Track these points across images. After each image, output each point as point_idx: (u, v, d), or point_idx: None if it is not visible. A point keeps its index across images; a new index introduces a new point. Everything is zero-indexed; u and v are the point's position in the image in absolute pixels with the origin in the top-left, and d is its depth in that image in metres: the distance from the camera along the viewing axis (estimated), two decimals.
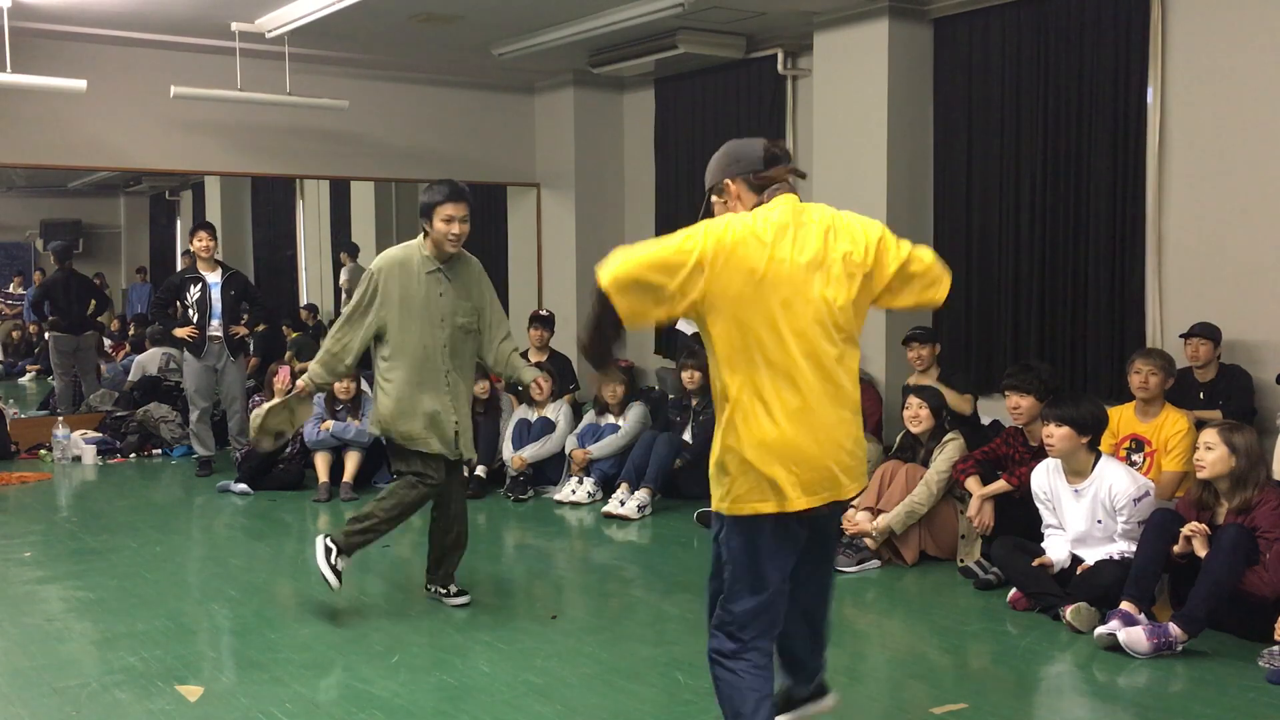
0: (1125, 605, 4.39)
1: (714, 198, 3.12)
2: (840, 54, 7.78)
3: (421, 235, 4.81)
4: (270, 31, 8.16)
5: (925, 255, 3.17)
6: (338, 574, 4.70)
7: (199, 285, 8.07)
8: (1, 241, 14.67)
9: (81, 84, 7.72)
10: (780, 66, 8.57)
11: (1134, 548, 4.65)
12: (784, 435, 2.86)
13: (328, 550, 4.71)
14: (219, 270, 8.18)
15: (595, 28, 8.04)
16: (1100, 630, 4.40)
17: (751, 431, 2.86)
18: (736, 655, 2.92)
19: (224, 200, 13.42)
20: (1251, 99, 6.16)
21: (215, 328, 8.09)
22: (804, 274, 2.96)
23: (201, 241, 8.11)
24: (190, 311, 8.05)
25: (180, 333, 8.07)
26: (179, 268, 14.58)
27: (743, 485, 2.87)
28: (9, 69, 7.51)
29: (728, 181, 3.07)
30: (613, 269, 2.80)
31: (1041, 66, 7.09)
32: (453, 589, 5.02)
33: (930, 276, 3.19)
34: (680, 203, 9.69)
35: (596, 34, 8.17)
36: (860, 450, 3.05)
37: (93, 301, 10.50)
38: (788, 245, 2.94)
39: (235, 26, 8.18)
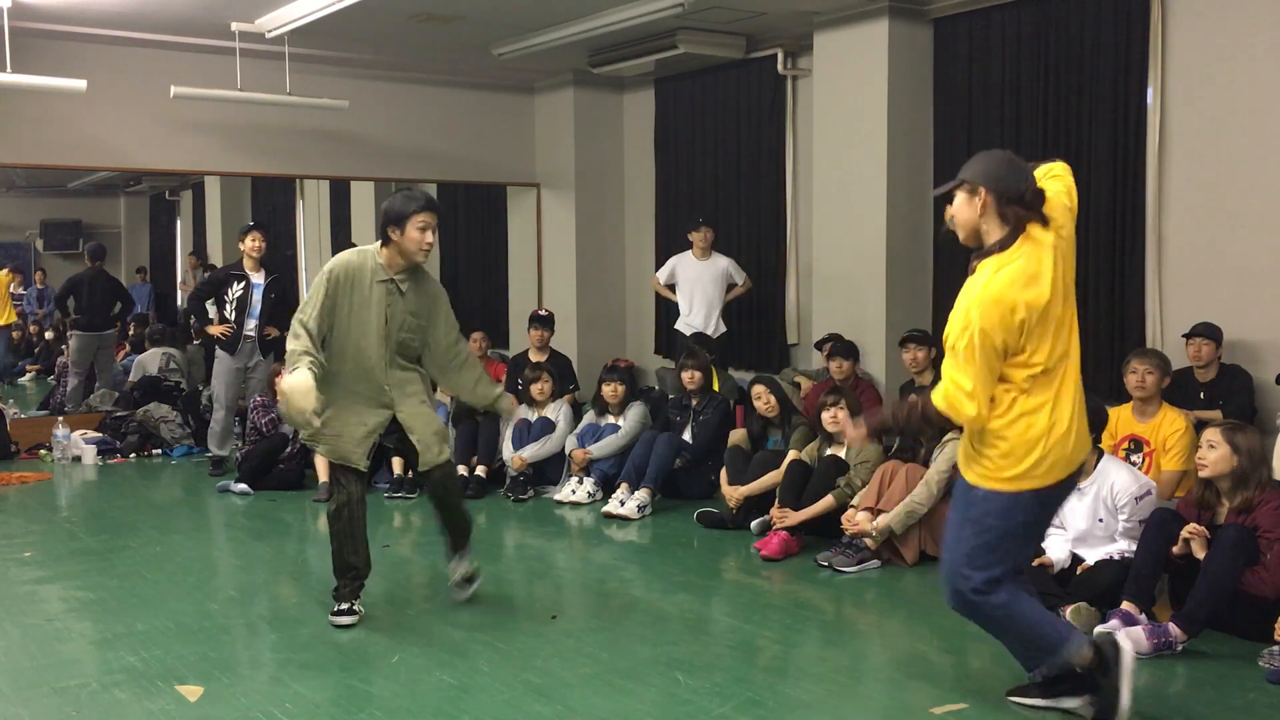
0: (1126, 605, 4.39)
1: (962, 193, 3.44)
2: (840, 54, 7.78)
3: (379, 243, 4.65)
4: (270, 31, 8.17)
5: None
6: (355, 612, 4.71)
7: (243, 284, 8.12)
8: (1, 241, 14.66)
9: (81, 84, 7.72)
10: (780, 66, 8.57)
11: (1134, 547, 4.65)
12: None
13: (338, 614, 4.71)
14: (263, 272, 8.22)
15: (595, 28, 8.04)
16: (1100, 630, 4.39)
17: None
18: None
19: (224, 200, 13.43)
20: (1251, 99, 6.16)
21: (251, 328, 8.13)
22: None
23: (255, 242, 8.16)
24: (229, 308, 8.08)
25: (214, 330, 8.13)
26: (179, 268, 14.61)
27: None
28: (9, 69, 7.51)
29: (983, 189, 3.39)
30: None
31: (1041, 66, 7.09)
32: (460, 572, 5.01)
33: None
34: (680, 202, 9.70)
35: (596, 34, 8.17)
36: None
37: (118, 303, 10.53)
38: None
39: (235, 26, 8.19)
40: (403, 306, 4.63)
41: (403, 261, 4.62)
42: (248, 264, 8.20)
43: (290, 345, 4.52)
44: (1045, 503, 3.52)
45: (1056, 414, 3.41)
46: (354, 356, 4.60)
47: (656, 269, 9.11)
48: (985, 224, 3.40)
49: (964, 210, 3.44)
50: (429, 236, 4.60)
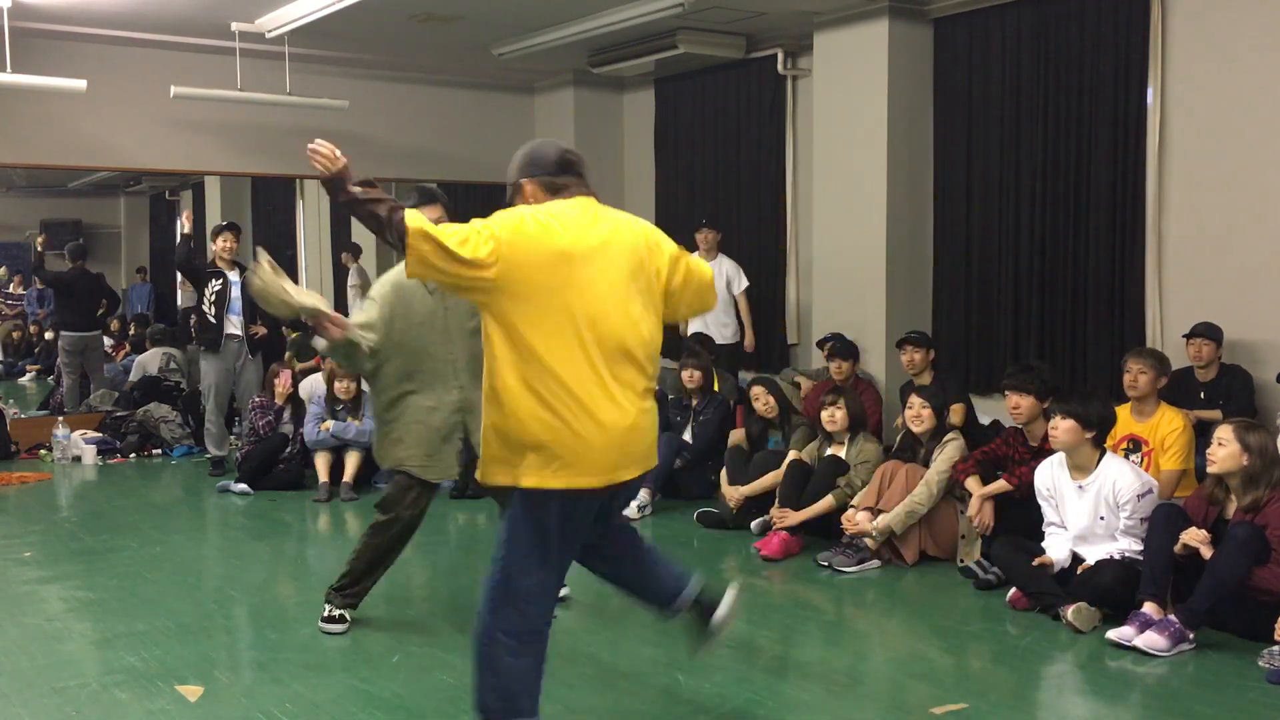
0: (1147, 607, 4.37)
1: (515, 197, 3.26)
2: (840, 54, 7.78)
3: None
4: (270, 31, 8.17)
5: None
6: (347, 620, 4.66)
7: (220, 280, 8.11)
8: (1, 241, 14.65)
9: (81, 84, 7.72)
10: (780, 66, 8.57)
11: (1135, 546, 4.65)
12: None
13: None
14: (237, 270, 8.23)
15: (595, 28, 8.04)
16: (1117, 635, 4.37)
17: None
18: None
19: (224, 200, 13.41)
20: (1251, 99, 6.16)
21: (234, 324, 8.12)
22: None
23: (227, 242, 8.17)
24: (208, 304, 8.09)
25: (256, 330, 8.21)
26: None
27: None
28: (9, 69, 7.51)
29: (523, 182, 3.23)
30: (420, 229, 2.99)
31: (1041, 66, 7.09)
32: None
33: None
34: (680, 202, 9.70)
35: (596, 34, 8.17)
36: None
37: (104, 301, 10.49)
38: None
39: (235, 26, 8.19)
40: (457, 302, 4.48)
41: None
42: (220, 264, 8.19)
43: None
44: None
45: None
46: (428, 370, 4.49)
47: None
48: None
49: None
50: None
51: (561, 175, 3.18)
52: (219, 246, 8.16)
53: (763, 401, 6.65)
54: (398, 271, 4.55)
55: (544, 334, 2.95)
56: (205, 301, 8.09)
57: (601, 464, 3.02)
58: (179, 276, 14.27)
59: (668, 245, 3.29)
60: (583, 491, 3.04)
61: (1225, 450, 4.42)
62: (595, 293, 3.01)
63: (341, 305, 12.62)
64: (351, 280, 12.53)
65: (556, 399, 2.95)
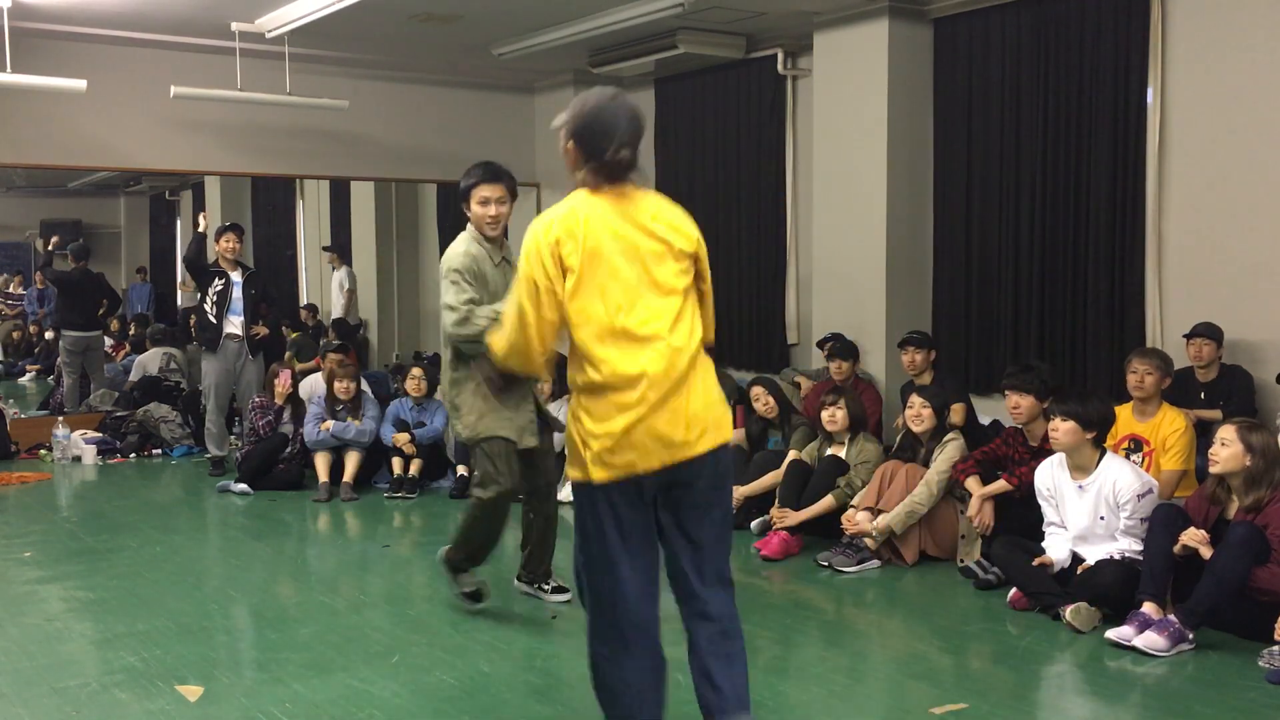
0: (1146, 607, 4.38)
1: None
2: (840, 54, 7.78)
3: (469, 227, 4.59)
4: (270, 31, 8.17)
5: None
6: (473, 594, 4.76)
7: (222, 280, 8.12)
8: (1, 241, 14.65)
9: (81, 84, 7.72)
10: (780, 66, 8.57)
11: (1135, 546, 4.65)
12: None
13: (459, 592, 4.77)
14: (240, 269, 8.24)
15: (595, 28, 8.04)
16: (1116, 634, 4.37)
17: None
18: None
19: (224, 200, 13.42)
20: (1251, 99, 6.16)
21: (235, 325, 8.13)
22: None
23: (230, 243, 8.18)
24: (209, 304, 8.09)
25: (257, 330, 8.21)
26: (179, 268, 14.59)
27: None
28: (9, 69, 7.51)
29: (570, 145, 3.10)
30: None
31: (1041, 66, 7.09)
32: (553, 583, 4.95)
33: None
34: (680, 202, 9.67)
35: (596, 34, 8.17)
36: None
37: (104, 301, 10.50)
38: None
39: (235, 26, 8.19)
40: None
41: (492, 239, 4.54)
42: (224, 263, 8.21)
43: (475, 325, 4.34)
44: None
45: None
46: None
47: None
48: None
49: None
50: (491, 209, 4.50)
51: (602, 174, 3.07)
52: (222, 246, 8.18)
53: (763, 402, 6.65)
54: (463, 246, 4.51)
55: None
56: (207, 301, 8.11)
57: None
58: (179, 276, 14.29)
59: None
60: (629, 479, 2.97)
61: (1229, 451, 4.41)
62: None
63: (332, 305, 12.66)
64: (340, 282, 12.55)
65: None
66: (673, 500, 3.03)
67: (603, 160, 3.03)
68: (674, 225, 3.11)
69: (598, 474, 2.95)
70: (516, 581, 5.06)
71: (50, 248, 10.46)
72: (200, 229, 8.37)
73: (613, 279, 2.97)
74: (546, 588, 4.95)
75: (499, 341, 3.10)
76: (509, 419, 4.52)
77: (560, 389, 7.94)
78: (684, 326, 3.00)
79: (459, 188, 4.57)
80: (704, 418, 2.98)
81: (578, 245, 3.00)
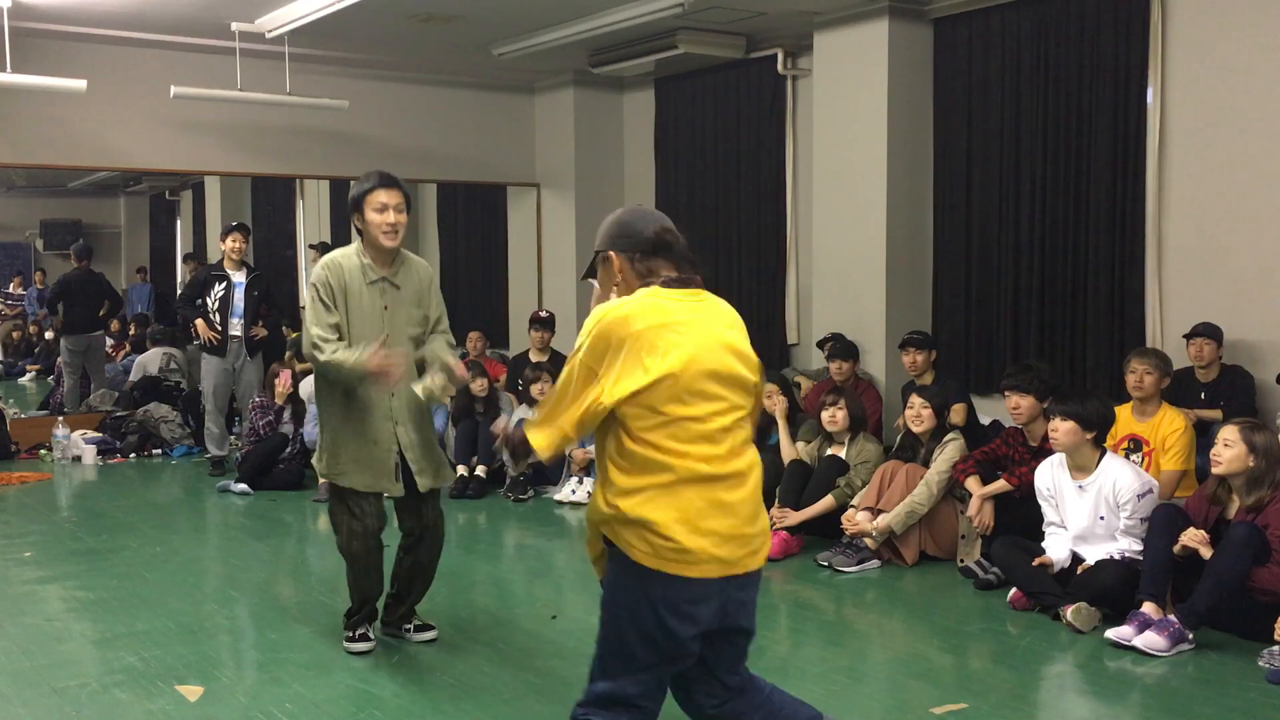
0: (1146, 607, 4.38)
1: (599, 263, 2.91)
2: (840, 54, 7.78)
3: (357, 239, 4.25)
4: (270, 31, 8.16)
5: None
6: (371, 639, 4.38)
7: (224, 284, 8.12)
8: (1, 241, 14.65)
9: (81, 84, 7.72)
10: (780, 66, 8.57)
11: (1135, 546, 4.65)
12: None
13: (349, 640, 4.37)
14: (244, 270, 8.23)
15: (595, 28, 8.04)
16: (1116, 634, 4.37)
17: None
18: None
19: (224, 200, 13.42)
20: (1251, 99, 6.16)
21: (236, 326, 8.13)
22: None
23: (235, 243, 8.17)
24: (212, 309, 8.08)
25: (203, 333, 8.08)
26: (179, 268, 14.59)
27: None
28: (9, 69, 7.51)
29: (612, 254, 2.84)
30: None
31: (1041, 66, 7.09)
32: (414, 623, 4.51)
33: None
34: (680, 203, 9.69)
35: (596, 34, 8.17)
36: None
37: (106, 302, 10.51)
38: None
39: (235, 26, 8.18)
40: (400, 304, 4.22)
41: (384, 252, 4.18)
42: (228, 264, 8.20)
43: (322, 359, 4.06)
44: None
45: None
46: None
47: None
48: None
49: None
50: (389, 216, 4.12)
51: (654, 257, 2.81)
52: (228, 246, 8.19)
53: (772, 400, 6.63)
54: (331, 256, 4.24)
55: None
56: (209, 308, 8.10)
57: None
58: (179, 277, 14.30)
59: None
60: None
61: (1231, 451, 4.41)
62: None
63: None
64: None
65: None
66: None
67: (647, 238, 2.82)
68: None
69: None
70: (380, 624, 4.55)
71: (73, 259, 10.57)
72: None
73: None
74: (409, 628, 4.50)
75: None
76: (358, 462, 4.16)
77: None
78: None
79: (349, 198, 4.21)
80: None
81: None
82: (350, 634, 4.38)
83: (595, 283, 2.97)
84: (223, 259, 8.25)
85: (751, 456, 2.78)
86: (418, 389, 4.11)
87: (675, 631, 2.65)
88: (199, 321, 8.12)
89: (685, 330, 2.69)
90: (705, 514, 2.65)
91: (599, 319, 2.70)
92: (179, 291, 13.88)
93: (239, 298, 8.14)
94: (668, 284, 2.77)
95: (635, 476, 2.65)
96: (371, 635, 4.40)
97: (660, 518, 2.62)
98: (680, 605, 2.64)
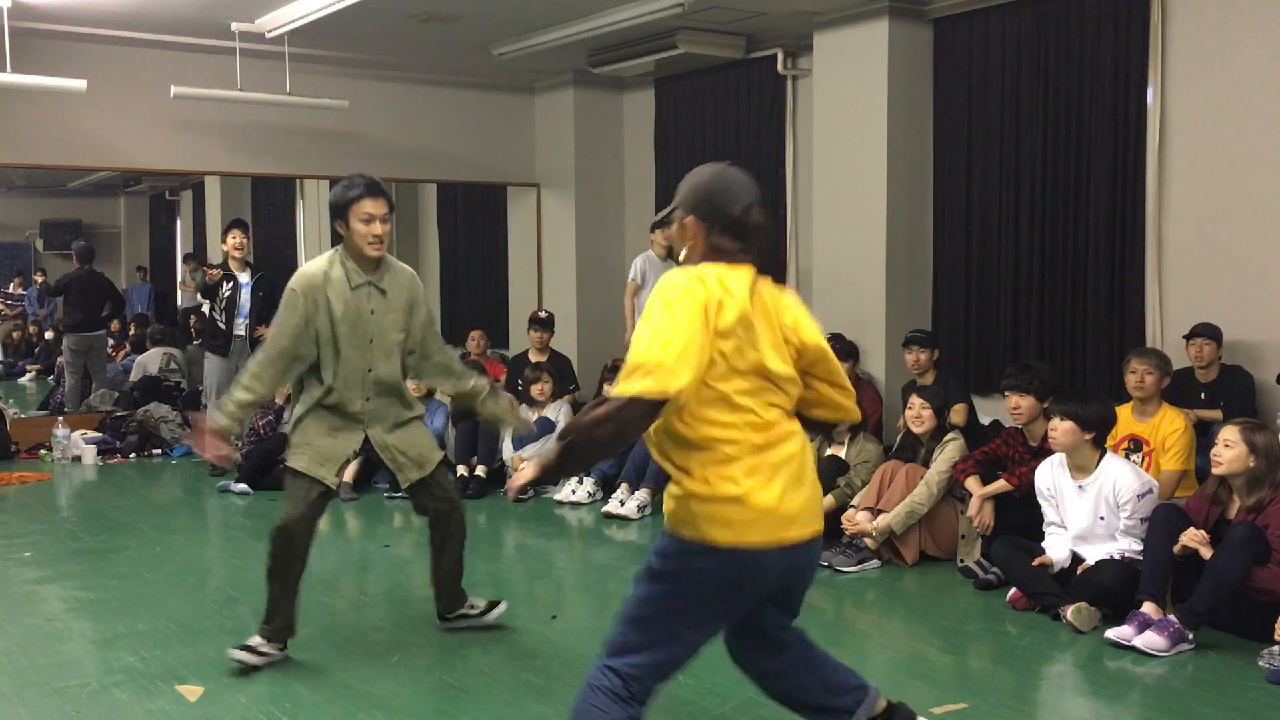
0: (1146, 607, 4.38)
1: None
2: (840, 54, 7.78)
3: (336, 247, 4.20)
4: (270, 31, 8.17)
5: None
6: (264, 654, 4.14)
7: (230, 284, 8.13)
8: (1, 241, 14.66)
9: (81, 84, 7.72)
10: (780, 66, 8.57)
11: (1135, 546, 4.65)
12: None
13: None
14: (249, 271, 8.24)
15: (595, 28, 8.04)
16: (1116, 634, 4.37)
17: None
18: None
19: (224, 200, 13.42)
20: (1251, 99, 6.16)
21: (240, 326, 8.15)
22: None
23: (236, 240, 8.18)
24: (219, 309, 8.09)
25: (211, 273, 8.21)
26: (179, 268, 14.60)
27: None
28: (9, 69, 7.51)
29: (689, 221, 2.76)
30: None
31: (1041, 66, 7.09)
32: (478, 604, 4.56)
33: None
34: None
35: (596, 34, 8.17)
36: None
37: (108, 302, 10.52)
38: None
39: (235, 26, 8.19)
40: (385, 309, 4.18)
41: (369, 260, 4.13)
42: (232, 264, 8.21)
43: (236, 394, 4.24)
44: None
45: None
46: (342, 375, 4.21)
47: None
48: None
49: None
50: (375, 227, 4.04)
51: (730, 236, 2.72)
52: (229, 245, 8.20)
53: None
54: (314, 265, 4.21)
55: None
56: (216, 309, 8.11)
57: None
58: (180, 276, 14.31)
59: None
60: None
61: (1232, 452, 4.41)
62: None
63: None
64: None
65: None
66: None
67: (732, 218, 2.72)
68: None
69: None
70: (440, 622, 4.55)
71: (75, 258, 10.59)
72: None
73: None
74: (474, 611, 4.54)
75: None
76: (309, 445, 4.23)
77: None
78: None
79: (331, 202, 4.11)
80: None
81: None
82: (250, 644, 4.12)
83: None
84: (226, 259, 8.26)
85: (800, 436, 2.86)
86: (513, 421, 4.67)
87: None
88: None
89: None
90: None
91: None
92: (180, 289, 13.92)
93: (245, 298, 8.15)
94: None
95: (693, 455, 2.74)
96: (269, 652, 4.13)
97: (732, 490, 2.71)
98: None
